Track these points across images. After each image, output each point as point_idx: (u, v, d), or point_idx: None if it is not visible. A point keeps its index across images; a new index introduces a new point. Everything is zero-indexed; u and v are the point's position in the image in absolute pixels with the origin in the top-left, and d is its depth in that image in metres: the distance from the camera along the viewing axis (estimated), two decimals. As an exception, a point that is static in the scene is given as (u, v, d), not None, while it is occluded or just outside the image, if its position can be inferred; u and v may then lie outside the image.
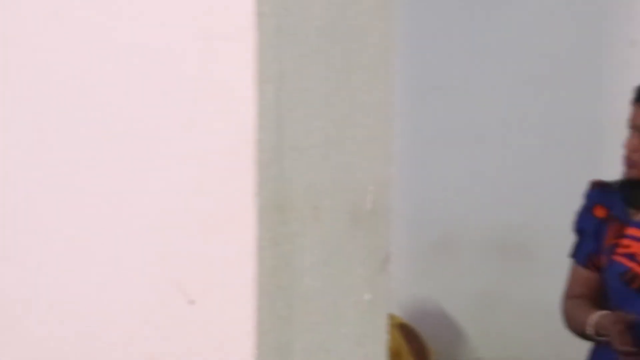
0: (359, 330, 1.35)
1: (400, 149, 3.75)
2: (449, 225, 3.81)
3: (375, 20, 1.25)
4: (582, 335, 2.67)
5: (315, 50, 1.19)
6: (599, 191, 2.78)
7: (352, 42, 1.22)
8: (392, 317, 3.47)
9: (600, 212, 2.76)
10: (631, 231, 2.69)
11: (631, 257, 2.67)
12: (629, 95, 2.73)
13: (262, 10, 1.12)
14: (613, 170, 2.77)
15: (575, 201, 2.83)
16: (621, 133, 2.75)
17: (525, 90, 3.67)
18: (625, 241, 2.69)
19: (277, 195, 1.17)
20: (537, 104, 3.66)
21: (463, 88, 3.75)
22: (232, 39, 1.13)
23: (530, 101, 3.67)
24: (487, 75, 3.72)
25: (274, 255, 1.18)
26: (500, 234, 3.73)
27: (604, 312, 2.62)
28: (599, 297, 2.76)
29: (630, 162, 2.65)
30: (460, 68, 3.76)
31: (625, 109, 2.72)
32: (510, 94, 3.70)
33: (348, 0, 1.22)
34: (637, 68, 3.43)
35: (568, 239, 2.82)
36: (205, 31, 1.14)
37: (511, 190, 3.70)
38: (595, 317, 2.62)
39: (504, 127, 3.70)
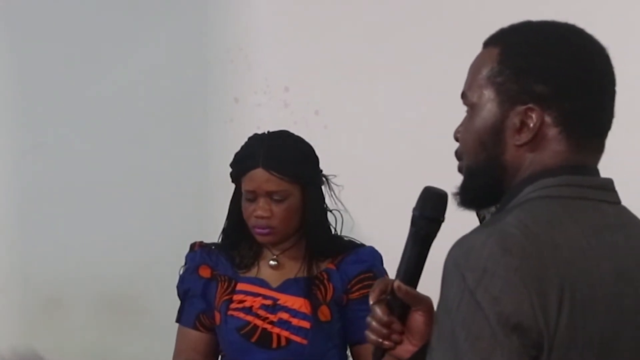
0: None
1: (4, 208, 3.70)
2: (60, 282, 3.75)
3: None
4: None
5: None
6: (201, 252, 2.82)
7: None
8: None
9: (205, 272, 2.80)
10: (243, 286, 2.75)
11: (247, 311, 2.72)
12: (235, 150, 2.77)
13: None
14: (220, 226, 2.83)
15: (184, 254, 2.88)
16: (228, 188, 2.83)
17: (131, 146, 3.67)
18: (239, 296, 2.74)
19: None
20: (145, 159, 3.67)
21: (62, 146, 3.70)
22: None
23: (138, 155, 3.67)
24: (91, 132, 3.68)
25: None
26: (110, 288, 3.71)
27: None
28: (211, 358, 2.81)
29: (267, 230, 2.69)
30: (61, 125, 3.70)
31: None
32: (116, 150, 3.68)
33: None
34: (240, 124, 3.55)
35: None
36: None
37: (118, 245, 3.68)
38: None
39: (111, 181, 3.68)
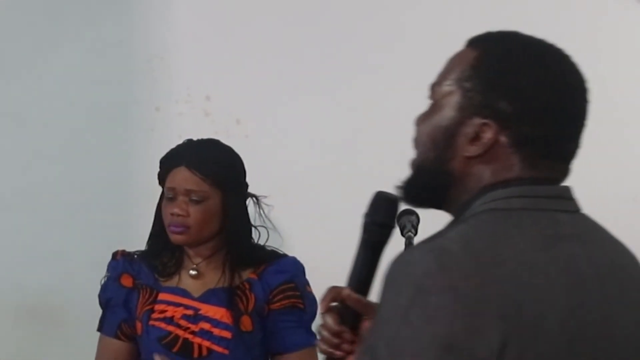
0: None
1: None
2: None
3: None
4: None
5: None
6: (123, 261, 2.81)
7: None
8: None
9: (127, 281, 2.79)
10: (164, 296, 2.75)
11: (169, 321, 2.72)
12: (156, 159, 2.79)
13: None
14: (142, 235, 2.84)
15: (104, 264, 2.87)
16: (150, 197, 2.82)
17: (51, 153, 3.63)
18: (160, 306, 2.74)
19: None
20: (66, 168, 3.63)
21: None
22: None
23: (58, 165, 3.63)
24: (9, 141, 3.63)
25: None
26: (30, 298, 3.66)
27: None
28: None
29: (181, 228, 2.70)
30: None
31: (153, 173, 2.80)
32: (36, 158, 3.63)
33: None
34: (161, 133, 3.54)
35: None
36: None
37: (40, 254, 3.63)
38: None
39: (32, 190, 3.64)
